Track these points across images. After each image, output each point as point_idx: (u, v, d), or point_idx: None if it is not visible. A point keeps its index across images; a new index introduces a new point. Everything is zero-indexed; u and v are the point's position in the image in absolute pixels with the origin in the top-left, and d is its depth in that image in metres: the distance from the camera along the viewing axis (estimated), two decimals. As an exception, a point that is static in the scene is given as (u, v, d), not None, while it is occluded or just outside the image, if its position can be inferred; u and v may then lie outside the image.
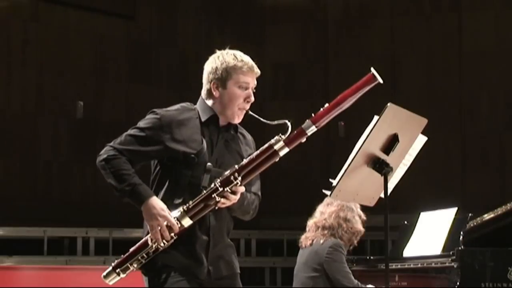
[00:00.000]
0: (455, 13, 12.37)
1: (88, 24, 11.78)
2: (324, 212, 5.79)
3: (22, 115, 11.21)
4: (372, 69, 3.65)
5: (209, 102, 3.75)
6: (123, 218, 9.62)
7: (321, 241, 5.69)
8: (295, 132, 3.60)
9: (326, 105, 3.62)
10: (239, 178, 3.56)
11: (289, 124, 3.58)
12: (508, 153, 12.00)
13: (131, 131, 3.66)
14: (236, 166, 3.59)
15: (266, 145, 3.61)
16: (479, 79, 12.22)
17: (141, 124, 3.67)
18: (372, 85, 3.64)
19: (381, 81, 3.63)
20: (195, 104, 3.80)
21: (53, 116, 11.44)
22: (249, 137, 3.88)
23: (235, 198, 3.58)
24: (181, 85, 11.94)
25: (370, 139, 4.10)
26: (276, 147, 3.58)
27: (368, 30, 12.63)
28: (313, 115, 3.61)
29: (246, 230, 10.90)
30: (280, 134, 3.59)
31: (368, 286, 5.68)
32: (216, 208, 3.59)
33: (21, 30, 11.29)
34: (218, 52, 3.79)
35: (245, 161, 3.61)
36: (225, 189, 3.55)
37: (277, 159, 3.62)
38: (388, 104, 4.10)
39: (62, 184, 11.39)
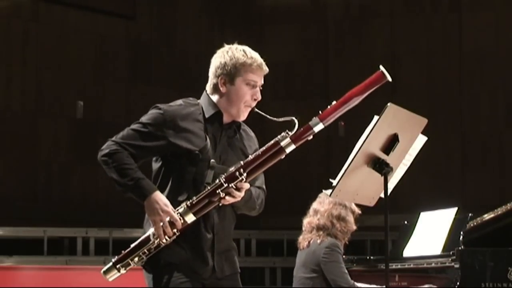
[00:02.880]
0: (455, 13, 12.37)
1: (88, 24, 11.78)
2: (317, 210, 5.74)
3: (22, 115, 11.20)
4: (381, 67, 3.59)
5: (214, 98, 3.67)
6: (123, 218, 9.63)
7: (318, 241, 5.68)
8: (302, 129, 3.54)
9: (334, 102, 3.57)
10: (244, 174, 3.49)
11: (296, 121, 3.52)
12: (508, 153, 12.00)
13: (134, 126, 3.59)
14: (242, 162, 3.52)
15: (272, 141, 3.54)
16: (479, 79, 12.22)
17: (144, 119, 3.60)
18: (381, 83, 3.59)
19: (390, 79, 3.58)
20: (198, 99, 3.71)
21: (53, 116, 11.43)
22: (251, 133, 3.80)
23: (239, 195, 3.51)
24: (181, 85, 11.93)
25: (370, 139, 4.09)
26: (282, 143, 3.52)
27: (368, 30, 12.63)
28: (320, 112, 3.56)
29: (246, 230, 10.89)
30: (287, 131, 3.53)
31: (364, 286, 5.68)
32: (220, 204, 3.52)
33: (21, 30, 11.29)
34: (227, 47, 3.71)
35: (250, 157, 3.54)
36: (230, 185, 3.48)
37: (283, 156, 3.55)
38: (388, 104, 4.09)
39: (62, 184, 11.39)
